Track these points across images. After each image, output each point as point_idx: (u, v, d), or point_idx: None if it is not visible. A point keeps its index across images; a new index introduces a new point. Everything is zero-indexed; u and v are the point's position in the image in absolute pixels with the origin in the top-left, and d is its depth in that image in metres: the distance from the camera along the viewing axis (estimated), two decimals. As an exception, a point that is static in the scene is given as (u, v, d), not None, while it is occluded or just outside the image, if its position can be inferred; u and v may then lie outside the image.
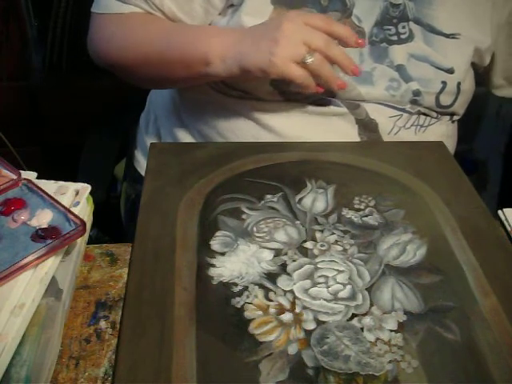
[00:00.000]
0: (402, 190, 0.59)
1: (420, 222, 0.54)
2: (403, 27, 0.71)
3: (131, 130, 0.94)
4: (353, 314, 0.45)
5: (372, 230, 0.53)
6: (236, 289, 0.46)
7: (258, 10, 0.68)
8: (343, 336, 0.43)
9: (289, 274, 0.48)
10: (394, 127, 0.72)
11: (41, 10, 1.12)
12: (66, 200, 0.50)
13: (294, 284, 0.47)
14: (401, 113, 0.72)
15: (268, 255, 0.50)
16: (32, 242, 0.45)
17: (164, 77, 0.71)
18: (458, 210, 0.56)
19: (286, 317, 0.44)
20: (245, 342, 0.42)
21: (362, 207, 0.56)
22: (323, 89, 0.65)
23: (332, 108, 0.71)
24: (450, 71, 0.71)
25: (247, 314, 0.44)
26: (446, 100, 0.72)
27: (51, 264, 0.45)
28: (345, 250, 0.51)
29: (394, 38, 0.70)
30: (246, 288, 0.46)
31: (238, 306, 0.45)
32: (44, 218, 0.47)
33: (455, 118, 0.77)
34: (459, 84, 0.72)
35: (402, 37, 0.71)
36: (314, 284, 0.47)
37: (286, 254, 0.50)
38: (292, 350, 0.42)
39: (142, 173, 0.77)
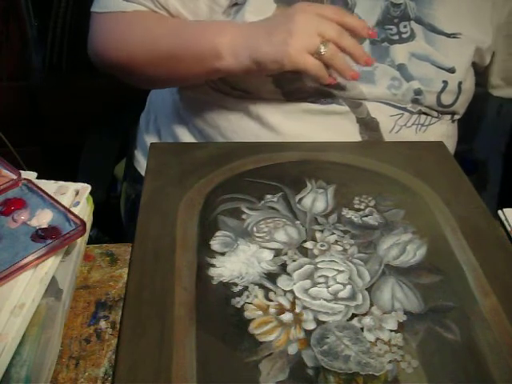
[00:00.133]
0: (401, 190, 0.59)
1: (420, 222, 0.54)
2: (404, 26, 0.71)
3: (131, 129, 0.94)
4: (353, 313, 0.45)
5: (372, 230, 0.53)
6: (236, 289, 0.46)
7: (262, 8, 0.67)
8: (343, 336, 0.43)
9: (289, 274, 0.48)
10: (394, 126, 0.72)
11: (41, 10, 1.12)
12: (65, 200, 0.50)
13: (294, 284, 0.47)
14: (402, 112, 0.72)
15: (268, 255, 0.50)
16: (32, 241, 0.45)
17: (173, 74, 0.70)
18: (458, 210, 0.56)
19: (286, 317, 0.44)
20: (245, 342, 0.42)
21: (362, 207, 0.56)
22: (336, 80, 0.65)
23: (333, 106, 0.71)
24: (451, 71, 0.71)
25: (247, 314, 0.44)
26: (447, 99, 0.72)
27: (51, 264, 0.45)
28: (345, 250, 0.51)
29: (396, 37, 0.71)
30: (246, 288, 0.46)
31: (238, 306, 0.45)
32: (44, 217, 0.47)
33: (456, 117, 0.77)
34: (460, 83, 0.72)
35: (404, 36, 0.71)
36: (314, 284, 0.47)
37: (286, 253, 0.50)
38: (292, 350, 0.42)
39: (142, 173, 0.77)
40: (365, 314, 0.45)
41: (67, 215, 0.48)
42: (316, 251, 0.50)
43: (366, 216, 0.55)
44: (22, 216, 0.48)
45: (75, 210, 0.49)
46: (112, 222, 0.91)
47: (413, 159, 0.63)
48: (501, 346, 0.43)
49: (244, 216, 0.54)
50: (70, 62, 1.13)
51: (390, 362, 0.41)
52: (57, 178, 0.53)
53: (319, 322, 0.44)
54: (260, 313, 0.44)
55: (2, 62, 1.23)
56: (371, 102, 0.71)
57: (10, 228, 0.47)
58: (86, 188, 0.52)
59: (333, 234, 0.53)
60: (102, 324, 0.46)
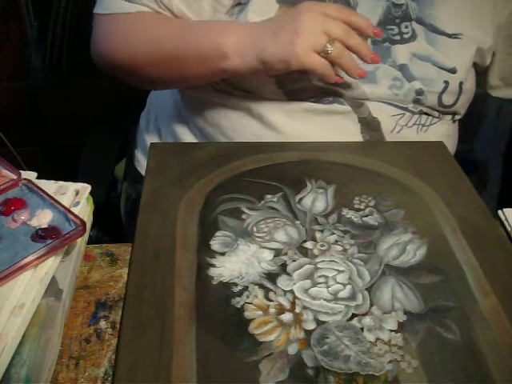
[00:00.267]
0: (401, 190, 0.59)
1: (420, 222, 0.54)
2: (406, 27, 0.71)
3: (131, 129, 0.94)
4: (353, 313, 0.45)
5: (372, 230, 0.53)
6: (236, 289, 0.46)
7: (265, 8, 0.67)
8: (343, 336, 0.43)
9: (289, 274, 0.48)
10: (396, 126, 0.72)
11: (41, 10, 1.12)
12: (66, 200, 0.50)
13: (294, 284, 0.47)
14: (403, 112, 0.72)
15: (268, 255, 0.50)
16: (32, 241, 0.45)
17: (177, 76, 0.70)
18: (458, 210, 0.56)
19: (286, 317, 0.44)
20: (245, 342, 0.42)
21: (362, 207, 0.56)
22: (342, 79, 0.65)
23: (335, 106, 0.71)
24: (453, 71, 0.71)
25: (247, 314, 0.44)
26: (448, 99, 0.73)
27: (51, 264, 0.45)
28: (345, 250, 0.51)
29: (397, 37, 0.71)
30: (246, 288, 0.46)
31: (238, 306, 0.45)
32: (44, 218, 0.47)
33: (457, 117, 0.77)
34: (461, 84, 0.72)
35: (405, 36, 0.71)
36: (314, 284, 0.47)
37: (286, 254, 0.50)
38: (292, 350, 0.42)
39: (143, 172, 0.77)
40: (365, 314, 0.45)
41: (67, 215, 0.48)
42: (316, 251, 0.50)
43: (366, 216, 0.55)
44: (22, 216, 0.48)
45: (75, 210, 0.49)
46: (112, 222, 0.91)
47: (413, 159, 0.63)
48: (501, 345, 0.43)
49: (244, 216, 0.54)
50: (70, 62, 1.13)
51: (390, 362, 0.41)
52: (57, 178, 0.53)
53: (319, 322, 0.44)
54: (260, 313, 0.44)
55: (2, 62, 1.23)
56: (373, 102, 0.71)
57: (10, 228, 0.47)
58: (85, 188, 0.52)
59: (333, 233, 0.53)
60: (102, 324, 0.46)
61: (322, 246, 0.51)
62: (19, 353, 0.40)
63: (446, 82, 0.71)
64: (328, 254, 0.50)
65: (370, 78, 0.69)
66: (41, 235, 0.46)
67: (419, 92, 0.71)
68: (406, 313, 0.45)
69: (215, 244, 0.51)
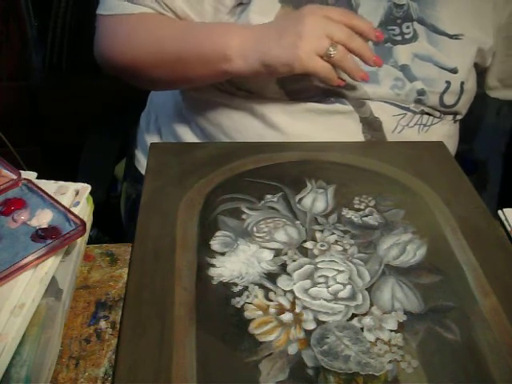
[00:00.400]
0: (401, 190, 0.59)
1: (420, 222, 0.54)
2: (407, 27, 0.71)
3: (131, 129, 0.94)
4: (353, 313, 0.45)
5: (372, 230, 0.53)
6: (236, 289, 0.46)
7: (266, 8, 0.68)
8: (343, 336, 0.43)
9: (289, 274, 0.48)
10: (397, 126, 0.72)
11: (41, 10, 1.12)
12: (66, 200, 0.50)
13: (294, 284, 0.47)
14: (405, 112, 0.72)
15: (268, 255, 0.50)
16: (32, 242, 0.45)
17: (179, 77, 0.70)
18: (458, 210, 0.56)
19: (286, 317, 0.44)
20: (245, 342, 0.42)
21: (362, 207, 0.56)
22: (345, 82, 0.65)
23: (337, 106, 0.71)
24: (454, 71, 0.71)
25: (247, 314, 0.44)
26: (449, 100, 0.73)
27: (51, 264, 0.45)
28: (345, 250, 0.51)
29: (399, 38, 0.71)
30: (246, 288, 0.46)
31: (238, 306, 0.45)
32: (44, 218, 0.47)
33: (458, 117, 0.77)
34: (462, 84, 0.72)
35: (406, 37, 0.71)
36: (314, 284, 0.47)
37: (286, 254, 0.50)
38: (292, 350, 0.42)
39: (143, 172, 0.77)
40: (365, 314, 0.45)
41: (67, 215, 0.48)
42: (316, 251, 0.50)
43: (366, 216, 0.55)
44: (22, 216, 0.48)
45: (75, 210, 0.49)
46: (112, 222, 0.91)
47: (413, 159, 0.63)
48: (501, 345, 0.43)
49: (244, 216, 0.54)
50: (70, 62, 1.12)
51: (390, 362, 0.41)
52: (57, 178, 0.53)
53: (319, 322, 0.44)
54: (260, 313, 0.44)
55: (2, 62, 1.23)
56: (374, 102, 0.71)
57: (10, 228, 0.47)
58: (85, 188, 0.52)
59: (333, 233, 0.53)
60: (102, 324, 0.46)
61: (321, 245, 0.51)
62: (19, 353, 0.40)
63: (448, 82, 0.71)
64: (328, 254, 0.50)
65: (371, 79, 0.69)
66: (41, 235, 0.46)
67: (421, 92, 0.71)
68: (406, 313, 0.45)
69: (215, 244, 0.51)
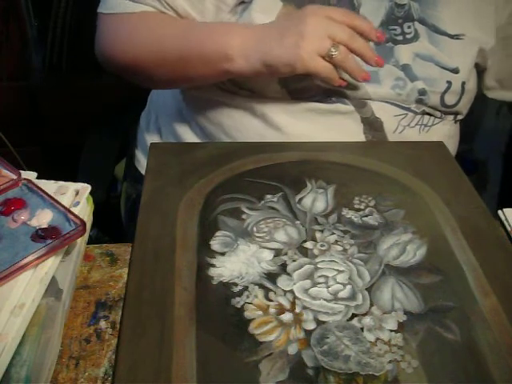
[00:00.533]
0: (402, 190, 0.59)
1: (420, 222, 0.54)
2: (408, 27, 0.71)
3: (131, 129, 0.94)
4: (353, 313, 0.45)
5: (372, 230, 0.53)
6: (236, 289, 0.46)
7: (268, 7, 0.68)
8: (343, 336, 0.43)
9: (289, 274, 0.48)
10: (398, 126, 0.72)
11: (41, 10, 1.12)
12: (66, 200, 0.50)
13: (294, 284, 0.47)
14: (406, 112, 0.72)
15: (268, 255, 0.50)
16: (32, 242, 0.45)
17: (181, 76, 0.70)
18: (458, 210, 0.56)
19: (286, 317, 0.44)
20: (245, 342, 0.42)
21: (362, 207, 0.56)
22: (346, 83, 0.65)
23: (338, 106, 0.71)
24: (455, 71, 0.71)
25: (247, 314, 0.44)
26: (450, 99, 0.73)
27: (51, 264, 0.45)
28: (345, 250, 0.51)
29: (400, 37, 0.71)
30: (246, 288, 0.46)
31: (238, 306, 0.45)
32: (44, 218, 0.47)
33: (459, 117, 0.77)
34: (464, 84, 0.72)
35: (408, 37, 0.71)
36: (314, 284, 0.47)
37: (286, 254, 0.50)
38: (292, 350, 0.42)
39: (143, 172, 0.77)
40: (365, 314, 0.45)
41: (67, 215, 0.48)
42: (316, 251, 0.50)
43: (366, 216, 0.55)
44: (22, 216, 0.48)
45: (75, 210, 0.49)
46: (112, 222, 0.91)
47: (413, 159, 0.63)
48: (501, 345, 0.43)
49: (244, 216, 0.54)
50: (70, 62, 1.13)
51: (390, 362, 0.41)
52: (57, 178, 0.53)
53: (319, 322, 0.44)
54: (260, 313, 0.44)
55: (2, 62, 1.23)
56: (376, 102, 0.71)
57: (10, 228, 0.47)
58: (85, 188, 0.52)
59: (333, 234, 0.53)
60: (102, 324, 0.46)
61: (322, 245, 0.51)
62: (19, 353, 0.40)
63: (449, 82, 0.71)
64: (328, 254, 0.50)
65: (372, 78, 0.69)
66: (41, 235, 0.46)
67: (422, 92, 0.71)
68: (406, 313, 0.45)
69: (215, 244, 0.51)
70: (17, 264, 0.42)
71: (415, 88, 0.71)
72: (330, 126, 0.71)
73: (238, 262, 0.49)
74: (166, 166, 0.60)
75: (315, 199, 0.57)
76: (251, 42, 0.64)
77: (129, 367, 0.40)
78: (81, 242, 0.50)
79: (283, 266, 0.49)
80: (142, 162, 0.85)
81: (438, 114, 0.74)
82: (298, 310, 0.45)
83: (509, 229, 0.57)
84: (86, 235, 0.52)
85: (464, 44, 0.71)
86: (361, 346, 0.42)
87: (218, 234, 0.52)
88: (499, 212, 0.59)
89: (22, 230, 0.47)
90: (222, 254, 0.50)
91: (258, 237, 0.52)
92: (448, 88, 0.72)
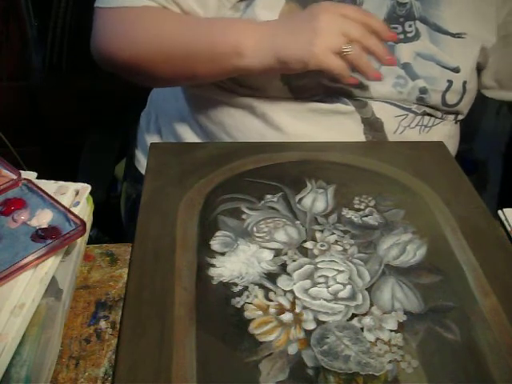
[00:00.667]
0: (402, 190, 0.59)
1: (420, 222, 0.54)
2: (410, 26, 0.71)
3: (131, 129, 0.94)
4: (353, 313, 0.45)
5: (372, 230, 0.53)
6: (236, 289, 0.46)
7: (272, 3, 0.67)
8: (343, 336, 0.43)
9: (289, 274, 0.48)
10: (399, 127, 0.72)
11: (41, 10, 1.12)
12: (66, 200, 0.50)
13: (294, 284, 0.47)
14: (406, 113, 0.72)
15: (268, 255, 0.50)
16: (32, 242, 0.45)
17: (186, 73, 0.68)
18: (458, 210, 0.56)
19: (286, 317, 0.44)
20: (245, 342, 0.42)
21: (362, 207, 0.56)
22: (357, 80, 0.65)
23: (339, 106, 0.70)
24: (456, 70, 0.71)
25: (247, 314, 0.44)
26: (451, 99, 0.73)
27: (51, 264, 0.45)
28: (345, 250, 0.51)
29: (401, 36, 0.71)
30: (246, 288, 0.46)
31: (238, 306, 0.45)
32: (44, 218, 0.47)
33: (459, 117, 0.77)
34: (465, 83, 0.72)
35: (409, 35, 0.71)
36: (314, 284, 0.47)
37: (286, 254, 0.50)
38: (292, 350, 0.42)
39: (143, 172, 0.77)
40: (365, 314, 0.45)
41: (67, 215, 0.48)
42: (316, 251, 0.50)
43: (366, 216, 0.55)
44: (22, 216, 0.48)
45: (75, 210, 0.49)
46: (112, 222, 0.91)
47: (413, 159, 0.63)
48: (501, 345, 0.43)
49: (244, 216, 0.54)
50: (70, 62, 1.12)
51: (390, 362, 0.41)
52: (57, 178, 0.53)
53: (319, 322, 0.44)
54: (260, 313, 0.44)
55: (2, 62, 1.23)
56: (376, 102, 0.71)
57: (10, 228, 0.47)
58: (85, 188, 0.52)
59: (333, 234, 0.53)
60: (102, 324, 0.46)
61: (322, 246, 0.51)
62: (19, 353, 0.40)
63: (450, 81, 0.71)
64: (328, 254, 0.50)
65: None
66: (41, 235, 0.46)
67: (423, 90, 0.71)
68: (406, 313, 0.45)
69: (215, 244, 0.51)
70: (17, 264, 0.42)
71: (416, 86, 0.71)
72: (331, 126, 0.71)
73: (238, 262, 0.49)
74: (165, 166, 0.60)
75: (315, 199, 0.57)
76: (266, 37, 0.63)
77: (129, 367, 0.40)
78: (81, 242, 0.50)
79: (283, 266, 0.49)
80: (141, 162, 0.85)
81: (439, 114, 0.74)
82: (298, 310, 0.45)
83: (509, 229, 0.57)
84: (86, 235, 0.52)
85: (466, 43, 0.71)
86: (361, 346, 0.42)
87: (218, 234, 0.52)
88: (499, 212, 0.59)
89: (22, 229, 0.47)
90: (222, 254, 0.50)
91: (258, 237, 0.52)
92: (449, 87, 0.71)
